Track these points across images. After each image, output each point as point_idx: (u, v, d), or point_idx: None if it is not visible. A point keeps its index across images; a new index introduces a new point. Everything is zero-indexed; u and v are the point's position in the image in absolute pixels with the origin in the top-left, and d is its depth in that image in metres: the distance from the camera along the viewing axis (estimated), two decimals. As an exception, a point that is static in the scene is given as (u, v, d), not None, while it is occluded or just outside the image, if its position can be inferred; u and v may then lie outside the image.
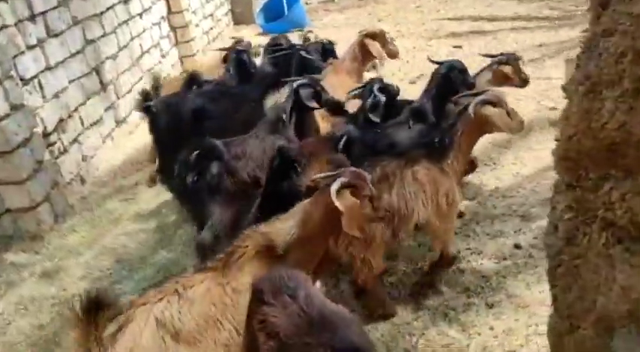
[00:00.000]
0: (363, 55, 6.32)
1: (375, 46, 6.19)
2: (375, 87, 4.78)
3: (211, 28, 12.31)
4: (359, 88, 5.06)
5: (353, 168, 3.25)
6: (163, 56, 9.89)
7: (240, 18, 14.86)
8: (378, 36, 6.34)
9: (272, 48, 6.81)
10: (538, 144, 6.23)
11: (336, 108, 4.92)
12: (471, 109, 3.94)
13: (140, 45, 8.97)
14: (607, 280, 1.84)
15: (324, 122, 5.30)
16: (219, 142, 4.36)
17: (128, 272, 4.94)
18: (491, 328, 3.89)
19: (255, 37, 13.35)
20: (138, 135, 7.96)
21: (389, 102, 4.79)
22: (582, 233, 1.91)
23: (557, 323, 2.09)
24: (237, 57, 6.36)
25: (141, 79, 8.81)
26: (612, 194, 1.76)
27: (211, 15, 12.44)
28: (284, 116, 4.54)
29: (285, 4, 13.64)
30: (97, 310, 2.54)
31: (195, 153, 4.17)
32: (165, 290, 2.86)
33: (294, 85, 4.73)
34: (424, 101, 4.90)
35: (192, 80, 6.10)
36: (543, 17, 12.09)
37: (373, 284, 3.93)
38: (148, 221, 5.79)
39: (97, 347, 2.55)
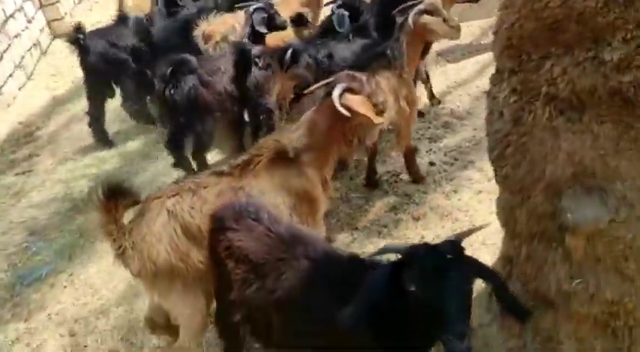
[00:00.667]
0: None
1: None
2: (338, 2, 5.05)
3: (77, -11, 11.37)
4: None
5: (347, 72, 3.32)
6: (29, 21, 9.05)
7: (104, -23, 13.83)
8: None
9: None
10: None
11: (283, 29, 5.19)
12: (410, 20, 4.13)
13: (2, 10, 8.13)
14: (553, 149, 2.08)
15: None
16: (192, 57, 4.65)
17: (45, 242, 4.66)
18: (422, 237, 4.19)
19: (124, -4, 12.57)
20: (17, 107, 7.35)
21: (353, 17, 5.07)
22: (528, 112, 2.13)
23: (509, 200, 2.33)
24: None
25: (9, 46, 8.04)
26: (554, 70, 1.98)
27: (75, -23, 11.46)
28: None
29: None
30: (116, 197, 2.78)
31: (170, 68, 4.51)
32: (180, 187, 3.04)
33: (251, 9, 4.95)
34: (367, 17, 5.08)
35: (122, 19, 6.35)
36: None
37: (411, 151, 4.73)
38: (54, 190, 5.44)
39: (116, 229, 2.82)
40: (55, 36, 9.93)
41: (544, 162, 2.12)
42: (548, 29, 1.93)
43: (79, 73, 8.37)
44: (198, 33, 5.39)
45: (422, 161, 5.02)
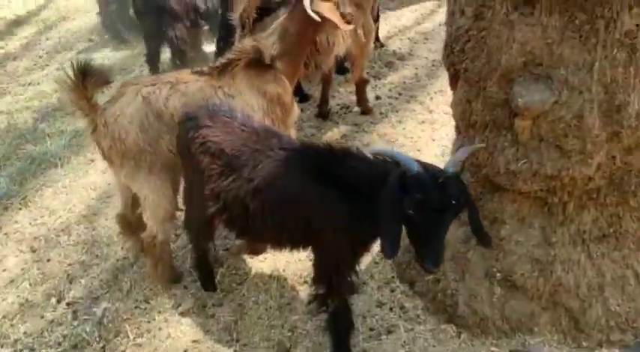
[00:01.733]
0: None
1: None
2: None
3: None
4: None
5: None
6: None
7: None
8: None
9: None
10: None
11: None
12: None
13: None
14: (508, 41, 2.35)
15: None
16: None
17: (-7, 171, 4.57)
18: (372, 160, 4.45)
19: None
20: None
21: None
22: (487, 7, 2.38)
23: (467, 92, 2.60)
24: None
25: None
26: (512, -34, 2.22)
27: None
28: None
29: None
30: (86, 76, 2.88)
31: None
32: (159, 78, 3.17)
33: None
34: None
35: None
36: None
37: (363, 82, 4.99)
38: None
39: (89, 106, 2.96)
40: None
41: (499, 53, 2.39)
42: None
43: (7, 11, 8.07)
44: None
45: (368, 96, 5.26)
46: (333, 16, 3.26)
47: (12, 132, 5.05)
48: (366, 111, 5.08)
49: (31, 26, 7.59)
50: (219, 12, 5.27)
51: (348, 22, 3.63)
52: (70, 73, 2.87)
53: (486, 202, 2.77)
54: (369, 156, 2.47)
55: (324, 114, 5.04)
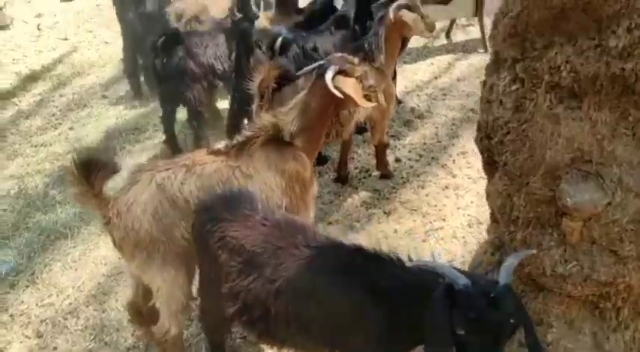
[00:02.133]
0: None
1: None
2: None
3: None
4: None
5: (339, 54, 3.31)
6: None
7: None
8: None
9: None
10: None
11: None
12: (390, 14, 4.20)
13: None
14: (553, 136, 2.17)
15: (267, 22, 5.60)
16: (180, 31, 5.25)
17: (2, 240, 4.39)
18: (395, 231, 4.25)
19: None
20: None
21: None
22: (529, 99, 2.20)
23: (507, 186, 2.40)
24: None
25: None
26: (557, 58, 2.06)
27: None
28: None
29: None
30: (90, 171, 2.72)
31: (162, 38, 4.97)
32: (174, 161, 3.01)
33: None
34: (346, 8, 5.11)
35: None
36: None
37: (383, 146, 4.80)
38: (5, 186, 5.15)
39: (99, 203, 2.80)
40: (-6, 27, 9.46)
41: (544, 149, 2.20)
42: (553, 18, 2.01)
43: (22, 66, 8.07)
44: (170, 10, 5.47)
45: (388, 158, 5.09)
46: (356, 95, 3.12)
47: (22, 199, 4.91)
48: (385, 174, 4.90)
49: (45, 82, 7.55)
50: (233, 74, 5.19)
51: (372, 93, 3.52)
52: (74, 168, 2.70)
53: (530, 302, 2.54)
54: (404, 261, 2.27)
55: (342, 178, 4.87)
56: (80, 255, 4.18)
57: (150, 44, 5.11)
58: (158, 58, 5.02)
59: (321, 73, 3.22)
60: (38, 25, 9.70)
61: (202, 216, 2.68)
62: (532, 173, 2.27)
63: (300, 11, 6.01)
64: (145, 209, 2.81)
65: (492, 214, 2.77)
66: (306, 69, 3.55)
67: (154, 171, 2.93)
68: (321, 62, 3.33)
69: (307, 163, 3.26)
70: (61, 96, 7.11)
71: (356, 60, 3.37)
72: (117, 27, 7.01)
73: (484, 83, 2.48)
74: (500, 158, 2.38)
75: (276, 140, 3.17)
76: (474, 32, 7.88)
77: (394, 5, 4.24)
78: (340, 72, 3.21)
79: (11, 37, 9.26)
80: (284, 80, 3.91)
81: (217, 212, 2.62)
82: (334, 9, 5.28)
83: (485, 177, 2.74)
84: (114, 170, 2.82)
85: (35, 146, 5.91)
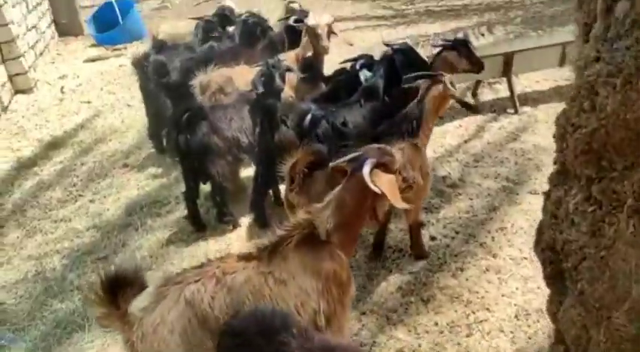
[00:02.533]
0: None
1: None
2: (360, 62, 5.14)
3: (37, 42, 10.99)
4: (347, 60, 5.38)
5: (376, 146, 3.15)
6: (-10, 74, 8.63)
7: (65, 29, 13.54)
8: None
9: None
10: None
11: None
12: (440, 87, 4.12)
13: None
14: (638, 267, 1.88)
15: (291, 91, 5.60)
16: (205, 105, 5.11)
17: (15, 332, 4.16)
18: (436, 324, 3.92)
19: (88, 49, 12.31)
20: None
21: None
22: (608, 224, 1.93)
23: (583, 317, 2.10)
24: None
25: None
26: (642, 182, 1.80)
27: (35, 27, 11.11)
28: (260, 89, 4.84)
29: (118, 12, 12.66)
30: (116, 289, 2.55)
31: (186, 114, 4.81)
32: (204, 272, 2.78)
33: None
34: (375, 80, 4.97)
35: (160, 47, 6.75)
36: (380, 16, 12.72)
37: (418, 225, 4.54)
38: (22, 268, 4.95)
39: (123, 324, 2.59)
40: (17, 91, 9.50)
41: (628, 281, 1.91)
42: (637, 138, 1.75)
43: (45, 132, 8.03)
44: (195, 83, 5.37)
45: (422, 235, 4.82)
46: (393, 193, 2.91)
47: (39, 284, 4.70)
48: (421, 255, 4.61)
49: (67, 149, 7.47)
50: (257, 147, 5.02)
51: (410, 187, 3.31)
52: (98, 285, 2.51)
53: None
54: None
55: (377, 257, 4.60)
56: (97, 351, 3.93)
57: (172, 120, 4.98)
58: (182, 134, 4.86)
59: (357, 166, 3.02)
60: (62, 88, 9.76)
61: (228, 341, 2.41)
62: (614, 307, 1.97)
63: (326, 79, 5.87)
64: (173, 329, 2.58)
65: (557, 333, 2.46)
66: (341, 160, 3.34)
67: (183, 284, 2.71)
68: (358, 153, 3.13)
69: (345, 262, 3.03)
70: (82, 164, 7.00)
71: (395, 150, 3.18)
72: (139, 90, 6.98)
73: (548, 194, 2.22)
74: (575, 285, 2.10)
75: (311, 238, 2.95)
76: (502, 90, 7.68)
77: (445, 79, 4.13)
78: (378, 165, 3.01)
79: (35, 100, 9.30)
80: (316, 165, 3.72)
81: (247, 337, 2.35)
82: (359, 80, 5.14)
83: (530, 259, 2.46)
84: (141, 288, 2.63)
85: (55, 221, 5.74)
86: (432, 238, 4.83)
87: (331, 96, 5.19)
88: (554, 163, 2.21)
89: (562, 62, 7.44)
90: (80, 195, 6.24)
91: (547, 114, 6.96)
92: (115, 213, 5.72)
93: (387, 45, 5.39)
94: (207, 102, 5.36)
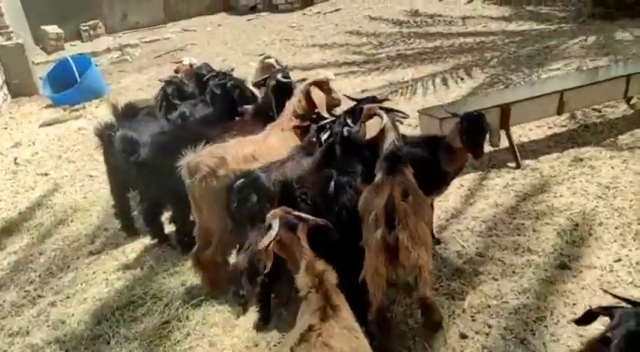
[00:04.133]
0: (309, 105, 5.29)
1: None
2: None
3: (-13, 105, 10.12)
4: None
5: None
6: None
7: (18, 90, 12.66)
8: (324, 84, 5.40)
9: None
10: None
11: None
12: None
13: None
14: None
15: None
16: (262, 173, 4.43)
17: None
18: None
19: (44, 110, 11.45)
20: None
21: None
22: None
23: None
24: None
25: None
26: None
27: (-15, 89, 10.25)
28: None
29: (75, 71, 11.83)
30: None
31: (240, 181, 4.34)
32: None
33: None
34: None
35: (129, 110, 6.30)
36: (351, 62, 12.25)
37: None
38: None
39: None
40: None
41: None
42: None
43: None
44: (182, 164, 4.54)
45: (450, 329, 4.12)
46: None
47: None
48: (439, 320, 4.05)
49: (22, 235, 6.54)
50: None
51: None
52: None
53: None
54: None
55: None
56: None
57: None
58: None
59: None
60: (15, 159, 8.85)
61: None
62: None
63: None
64: None
65: None
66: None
67: None
68: None
69: None
70: (40, 254, 6.09)
71: None
72: (101, 157, 6.20)
73: None
74: None
75: None
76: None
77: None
78: None
79: (-16, 176, 8.37)
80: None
81: None
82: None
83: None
84: None
85: (10, 334, 4.81)
86: (463, 336, 4.12)
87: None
88: None
89: (560, 110, 7.00)
90: (39, 296, 5.33)
91: (552, 169, 6.45)
92: (82, 319, 4.83)
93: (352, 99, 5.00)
94: (197, 188, 4.56)
